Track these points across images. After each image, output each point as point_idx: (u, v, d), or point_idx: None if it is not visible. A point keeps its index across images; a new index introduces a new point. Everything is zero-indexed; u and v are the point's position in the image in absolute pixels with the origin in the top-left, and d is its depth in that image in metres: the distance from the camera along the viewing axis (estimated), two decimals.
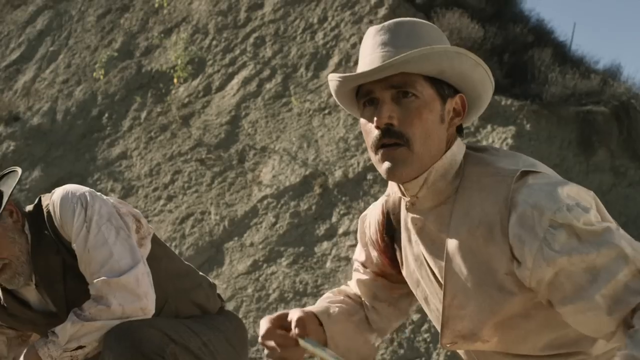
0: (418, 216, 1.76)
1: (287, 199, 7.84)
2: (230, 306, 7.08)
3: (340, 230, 7.42)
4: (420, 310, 6.79)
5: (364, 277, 1.99)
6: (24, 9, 11.97)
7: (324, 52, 9.16)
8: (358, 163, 7.84)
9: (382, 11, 9.16)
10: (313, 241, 7.45)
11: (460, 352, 1.90)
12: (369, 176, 7.69)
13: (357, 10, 9.35)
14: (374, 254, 1.95)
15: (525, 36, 9.01)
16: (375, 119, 1.68)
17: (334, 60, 9.00)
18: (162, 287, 2.63)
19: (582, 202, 1.61)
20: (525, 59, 8.63)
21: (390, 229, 1.89)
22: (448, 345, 1.80)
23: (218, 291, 2.91)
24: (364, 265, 1.98)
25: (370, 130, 1.70)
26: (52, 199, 2.60)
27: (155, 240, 2.72)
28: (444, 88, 1.71)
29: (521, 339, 1.73)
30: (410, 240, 1.82)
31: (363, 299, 2.00)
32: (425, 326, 6.61)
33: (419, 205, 1.75)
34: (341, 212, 7.56)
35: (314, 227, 7.55)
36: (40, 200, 2.67)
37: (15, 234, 2.58)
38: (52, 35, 11.25)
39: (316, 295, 7.01)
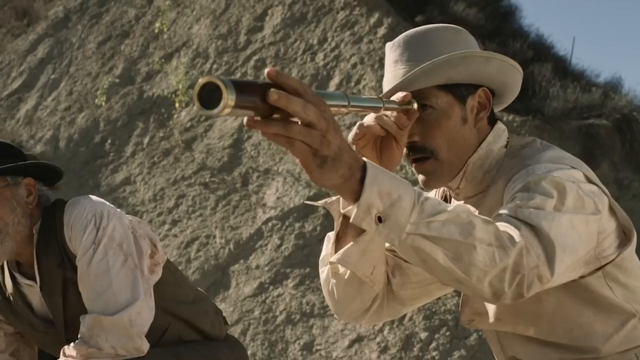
0: (462, 202, 1.85)
1: (291, 221, 7.83)
2: (237, 329, 7.05)
3: None
4: (428, 328, 6.76)
5: None
6: (25, 38, 12.03)
7: (325, 73, 9.18)
8: None
9: (381, 30, 9.19)
10: (319, 262, 7.42)
11: (489, 335, 1.92)
12: None
13: (357, 31, 9.37)
14: None
15: (525, 52, 9.03)
16: None
17: (335, 80, 9.02)
18: (166, 312, 2.57)
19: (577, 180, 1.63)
20: (526, 75, 8.57)
21: None
22: (467, 323, 1.87)
23: (225, 314, 2.88)
24: None
25: None
26: (69, 206, 2.48)
27: (167, 265, 2.63)
28: (461, 90, 1.77)
29: (529, 322, 1.76)
30: None
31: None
32: (434, 344, 6.58)
33: (462, 194, 1.85)
34: None
35: (319, 247, 7.49)
36: (56, 202, 2.53)
37: (19, 208, 2.45)
38: (53, 63, 11.29)
39: (323, 316, 6.98)
